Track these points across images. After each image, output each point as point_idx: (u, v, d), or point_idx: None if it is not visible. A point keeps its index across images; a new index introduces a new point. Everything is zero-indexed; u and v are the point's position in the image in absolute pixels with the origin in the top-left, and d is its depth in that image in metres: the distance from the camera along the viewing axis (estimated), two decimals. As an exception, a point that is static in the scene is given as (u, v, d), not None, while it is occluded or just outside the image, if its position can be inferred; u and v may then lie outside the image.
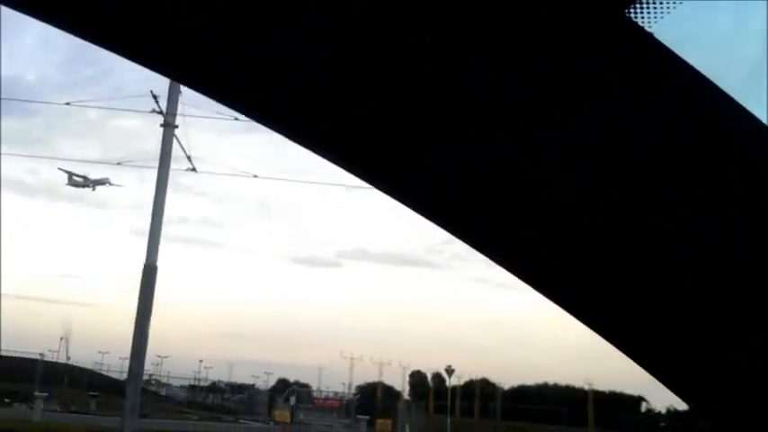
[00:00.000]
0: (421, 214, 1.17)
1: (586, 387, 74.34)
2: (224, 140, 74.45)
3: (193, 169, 22.68)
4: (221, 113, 23.83)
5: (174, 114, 19.99)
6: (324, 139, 1.09)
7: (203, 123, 39.07)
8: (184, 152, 21.25)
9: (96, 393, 45.40)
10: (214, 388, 72.35)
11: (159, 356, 71.31)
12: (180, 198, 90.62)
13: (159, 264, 18.13)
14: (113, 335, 75.86)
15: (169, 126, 19.87)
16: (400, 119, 1.08)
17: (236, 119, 23.81)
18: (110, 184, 26.13)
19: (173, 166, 20.07)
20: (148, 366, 39.33)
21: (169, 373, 74.99)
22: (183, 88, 20.17)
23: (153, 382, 70.70)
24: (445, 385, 68.80)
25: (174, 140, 20.12)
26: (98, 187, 26.81)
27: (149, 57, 1.02)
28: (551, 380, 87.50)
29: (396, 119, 1.08)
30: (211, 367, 76.42)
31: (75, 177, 26.87)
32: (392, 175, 1.13)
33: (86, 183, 27.52)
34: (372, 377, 79.46)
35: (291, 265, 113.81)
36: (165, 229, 18.74)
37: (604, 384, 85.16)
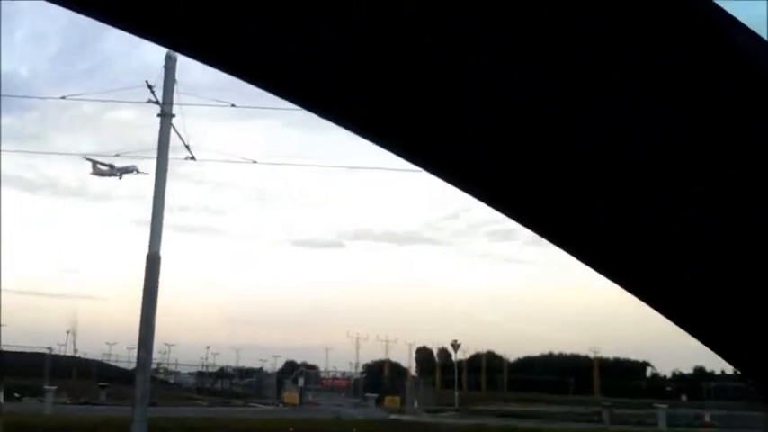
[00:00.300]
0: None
1: (591, 355, 74.84)
2: (222, 128, 74.21)
3: (192, 158, 22.57)
4: (218, 100, 23.69)
5: (171, 104, 19.86)
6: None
7: (200, 111, 38.87)
8: (182, 141, 21.14)
9: (106, 384, 45.57)
10: (222, 373, 72.63)
11: (167, 345, 71.69)
12: (180, 187, 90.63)
13: (162, 253, 18.10)
14: (120, 326, 76.07)
15: (166, 116, 19.74)
16: (400, 119, 1.09)
17: (233, 105, 23.66)
18: (137, 171, 25.75)
19: (171, 155, 19.97)
20: (156, 355, 39.43)
21: (177, 360, 75.39)
22: (179, 77, 20.06)
23: (161, 371, 71.06)
24: (451, 360, 69.18)
25: (172, 130, 20.00)
26: (125, 175, 26.22)
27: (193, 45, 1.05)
28: (557, 350, 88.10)
29: (395, 119, 1.09)
30: (218, 353, 76.77)
31: (100, 166, 26.44)
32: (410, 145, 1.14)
33: (113, 171, 27.11)
34: (379, 355, 79.91)
35: (294, 248, 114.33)
36: (167, 219, 18.66)
37: (609, 351, 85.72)
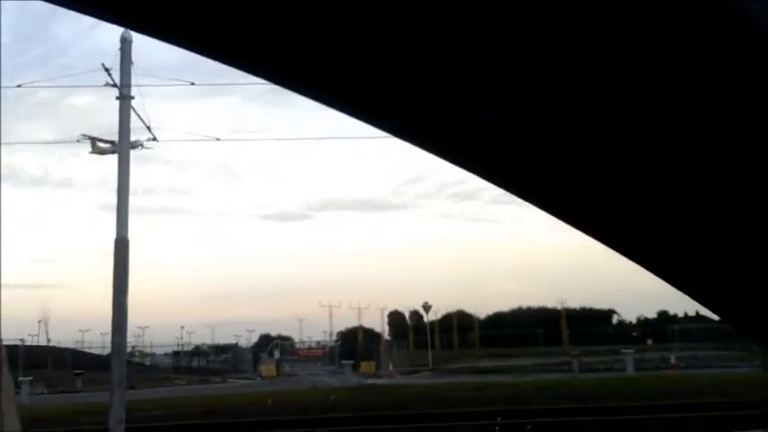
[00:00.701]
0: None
1: (559, 306, 76.05)
2: (183, 107, 73.45)
3: (154, 139, 22.32)
4: (178, 80, 23.42)
5: (129, 86, 19.60)
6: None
7: (160, 92, 38.30)
8: (143, 122, 20.91)
9: (81, 371, 45.31)
10: (198, 352, 72.60)
11: (140, 328, 71.36)
12: (144, 169, 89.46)
13: (130, 237, 18.02)
14: (92, 313, 75.70)
15: (125, 98, 19.50)
16: (401, 119, 1.09)
17: (193, 83, 23.40)
18: (142, 146, 24.41)
19: (133, 137, 19.78)
20: (130, 339, 39.18)
21: (151, 342, 75.22)
22: (136, 59, 19.81)
23: (137, 354, 70.75)
24: (423, 322, 69.76)
25: (132, 112, 19.79)
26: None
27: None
28: (525, 304, 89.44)
29: (396, 119, 1.09)
30: (193, 332, 76.87)
31: (100, 144, 24.94)
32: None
33: (114, 148, 25.54)
34: (352, 323, 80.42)
35: (262, 222, 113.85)
36: (133, 202, 18.58)
37: (576, 302, 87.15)
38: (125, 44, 19.42)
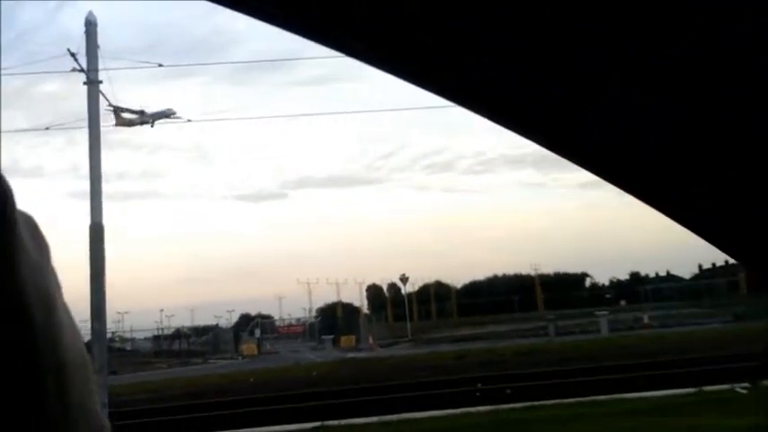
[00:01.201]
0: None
1: (533, 273, 76.74)
2: (153, 90, 72.41)
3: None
4: (146, 62, 23.01)
5: (96, 70, 19.20)
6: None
7: (129, 76, 37.69)
8: (112, 107, 20.60)
9: (62, 359, 44.98)
10: (178, 334, 72.34)
11: (119, 313, 70.91)
12: (116, 154, 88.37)
13: (105, 222, 17.80)
14: (70, 301, 74.73)
15: (93, 83, 19.13)
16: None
17: (161, 65, 23.05)
18: (171, 115, 22.51)
19: (104, 122, 19.46)
20: (110, 325, 38.98)
21: (132, 327, 74.79)
22: (102, 42, 19.42)
23: (117, 339, 70.40)
24: (401, 294, 70.13)
25: (101, 97, 19.44)
26: (157, 122, 23.57)
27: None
28: (500, 271, 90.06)
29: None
30: (173, 315, 76.63)
31: (127, 115, 23.23)
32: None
33: (144, 118, 23.46)
34: (331, 298, 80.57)
35: (238, 202, 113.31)
36: (106, 187, 18.29)
37: (549, 267, 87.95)
38: (90, 27, 18.99)
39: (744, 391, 15.09)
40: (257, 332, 60.69)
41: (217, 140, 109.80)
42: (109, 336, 43.58)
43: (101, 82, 19.36)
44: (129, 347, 71.04)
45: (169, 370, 43.41)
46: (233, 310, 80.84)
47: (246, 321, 71.56)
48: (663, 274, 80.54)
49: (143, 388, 26.84)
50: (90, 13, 19.49)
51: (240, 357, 51.25)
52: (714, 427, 11.58)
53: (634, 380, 17.27)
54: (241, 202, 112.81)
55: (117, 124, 23.40)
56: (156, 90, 73.40)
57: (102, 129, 19.20)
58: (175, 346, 67.36)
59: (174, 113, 23.84)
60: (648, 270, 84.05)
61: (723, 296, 54.26)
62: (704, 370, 17.45)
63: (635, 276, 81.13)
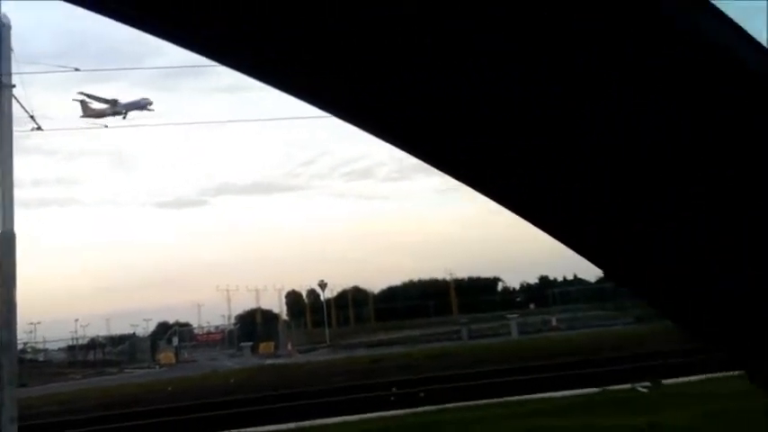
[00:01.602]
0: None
1: (448, 277, 77.67)
2: (70, 95, 70.01)
3: (39, 128, 21.21)
4: (63, 66, 22.20)
5: (9, 74, 18.46)
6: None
7: (45, 81, 36.32)
8: (26, 112, 19.83)
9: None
10: (93, 344, 70.00)
11: (31, 323, 68.17)
12: (29, 160, 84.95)
13: (18, 230, 17.13)
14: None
15: (5, 86, 18.37)
16: (399, 119, 1.07)
17: (77, 69, 22.26)
18: (147, 105, 20.76)
19: (16, 127, 18.69)
20: (21, 335, 37.48)
21: (44, 337, 71.97)
22: (15, 45, 18.67)
23: (29, 350, 67.67)
24: (320, 300, 69.87)
25: (14, 101, 18.69)
26: (131, 114, 21.72)
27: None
28: (416, 277, 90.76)
29: (395, 120, 1.07)
30: (88, 324, 73.95)
31: (94, 105, 21.15)
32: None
33: (115, 109, 21.34)
34: (250, 305, 79.48)
35: (157, 209, 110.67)
36: (19, 195, 17.58)
37: (463, 272, 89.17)
38: (3, 29, 18.27)
39: (645, 390, 15.63)
40: (175, 340, 59.35)
41: (136, 146, 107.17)
42: (20, 347, 41.93)
43: (14, 86, 18.63)
44: (41, 358, 68.32)
45: (83, 380, 41.96)
46: (150, 319, 78.72)
47: (164, 330, 69.90)
48: (570, 277, 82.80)
49: (54, 399, 25.89)
50: (4, 16, 18.76)
51: (157, 366, 50.00)
52: (610, 427, 11.94)
53: (541, 381, 17.69)
54: (161, 209, 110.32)
55: (85, 115, 22.12)
56: (74, 95, 71.04)
57: (15, 134, 18.49)
58: (90, 356, 65.16)
59: (150, 103, 22.68)
60: (557, 274, 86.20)
61: (626, 299, 56.17)
62: (608, 370, 18.02)
63: (544, 280, 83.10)
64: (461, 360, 26.25)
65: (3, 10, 18.78)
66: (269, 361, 40.23)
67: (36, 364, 59.94)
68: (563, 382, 17.26)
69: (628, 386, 16.16)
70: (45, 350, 71.10)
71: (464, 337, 41.85)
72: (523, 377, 18.68)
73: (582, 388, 16.64)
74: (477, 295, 75.34)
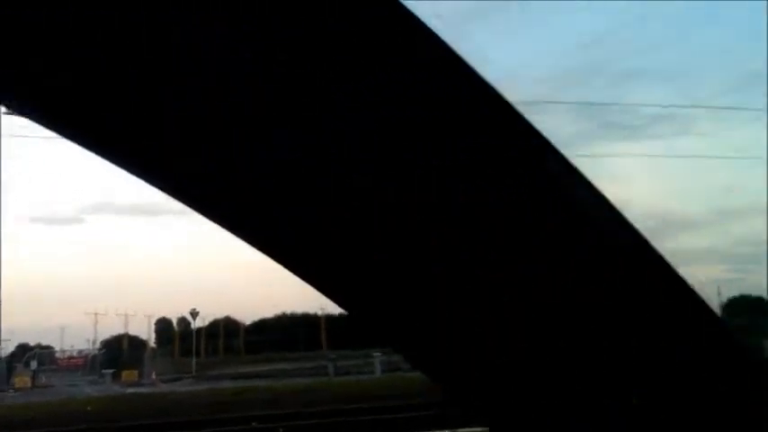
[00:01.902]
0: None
1: (319, 312, 77.52)
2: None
3: None
4: None
5: None
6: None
7: None
8: None
9: None
10: (-61, 366, 65.13)
11: None
12: None
13: None
14: None
15: None
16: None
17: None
18: None
19: None
20: None
21: None
22: None
23: None
24: (191, 328, 68.06)
25: None
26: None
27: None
28: (289, 309, 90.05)
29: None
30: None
31: None
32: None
33: None
34: (118, 330, 76.42)
35: (29, 224, 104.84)
36: None
37: (335, 308, 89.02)
38: None
39: None
40: (34, 363, 56.15)
41: (12, 157, 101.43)
42: None
43: None
44: None
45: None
46: (9, 339, 74.12)
47: (24, 351, 66.00)
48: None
49: None
50: None
51: (12, 390, 47.12)
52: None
53: (408, 420, 17.92)
54: (32, 224, 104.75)
55: None
56: (-60, 104, 66.78)
57: None
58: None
59: None
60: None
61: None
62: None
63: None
64: (324, 396, 26.34)
65: None
66: (130, 389, 38.81)
67: None
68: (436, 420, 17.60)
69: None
70: None
71: (330, 374, 41.90)
72: (384, 416, 18.95)
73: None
74: (348, 331, 75.60)
